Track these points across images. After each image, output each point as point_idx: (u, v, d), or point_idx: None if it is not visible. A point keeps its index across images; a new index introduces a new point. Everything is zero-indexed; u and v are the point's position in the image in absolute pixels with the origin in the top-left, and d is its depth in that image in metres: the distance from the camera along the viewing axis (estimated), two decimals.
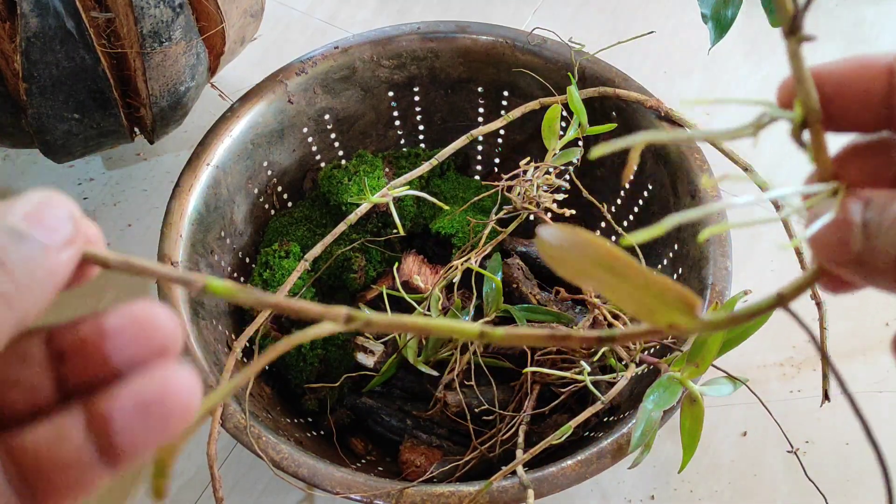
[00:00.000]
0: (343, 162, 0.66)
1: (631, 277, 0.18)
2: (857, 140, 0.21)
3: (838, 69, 0.21)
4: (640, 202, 0.60)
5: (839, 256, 0.20)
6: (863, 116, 0.21)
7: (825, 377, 0.52)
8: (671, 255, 0.56)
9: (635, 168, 0.50)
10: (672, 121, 0.57)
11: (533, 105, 0.59)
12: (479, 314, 0.55)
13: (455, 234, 0.61)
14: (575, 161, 0.58)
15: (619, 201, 0.63)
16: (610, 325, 0.53)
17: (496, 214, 0.58)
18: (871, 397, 0.61)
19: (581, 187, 0.59)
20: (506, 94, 0.64)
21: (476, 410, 0.53)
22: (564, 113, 0.58)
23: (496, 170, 0.69)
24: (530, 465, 0.46)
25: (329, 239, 0.56)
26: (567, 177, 0.64)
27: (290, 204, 0.65)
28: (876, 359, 0.63)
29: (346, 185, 0.62)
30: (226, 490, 0.58)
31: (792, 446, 0.50)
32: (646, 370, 0.51)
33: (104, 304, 0.67)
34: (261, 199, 0.62)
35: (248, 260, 0.62)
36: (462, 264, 0.55)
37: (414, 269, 0.60)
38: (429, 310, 0.54)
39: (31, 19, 0.51)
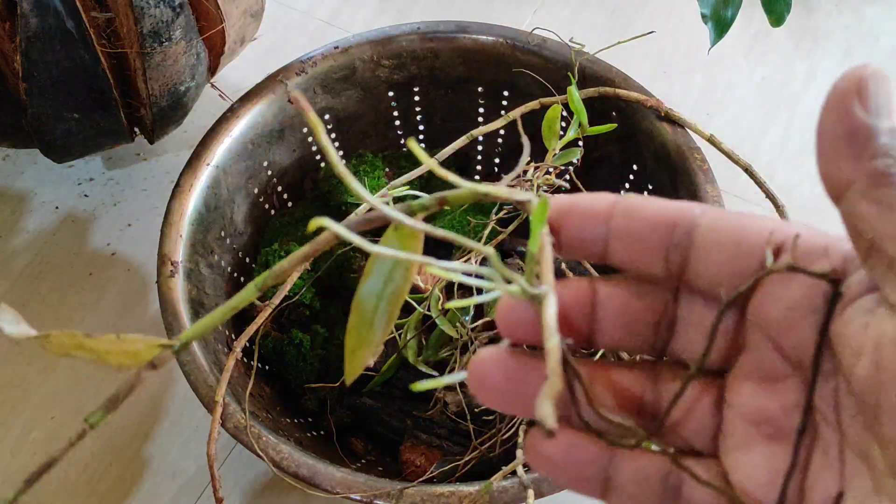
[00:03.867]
0: (343, 162, 0.66)
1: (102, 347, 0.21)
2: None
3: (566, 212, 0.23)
4: None
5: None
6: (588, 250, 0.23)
7: None
8: None
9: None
10: (672, 121, 0.57)
11: (533, 105, 0.59)
12: (479, 314, 0.55)
13: None
14: (575, 161, 0.58)
15: None
16: None
17: (496, 214, 0.58)
18: None
19: (581, 187, 0.59)
20: (506, 93, 0.64)
21: (476, 410, 0.53)
22: (564, 113, 0.58)
23: (496, 170, 0.69)
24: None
25: None
26: (567, 177, 0.64)
27: (290, 204, 0.65)
28: None
29: (346, 185, 0.62)
30: (225, 490, 0.58)
31: None
32: None
33: (104, 303, 0.67)
34: (261, 199, 0.62)
35: (248, 260, 0.62)
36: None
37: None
38: (429, 309, 0.54)
39: (31, 19, 0.51)
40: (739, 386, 0.22)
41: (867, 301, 0.19)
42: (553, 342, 0.20)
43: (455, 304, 0.23)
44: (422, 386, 0.21)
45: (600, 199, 0.22)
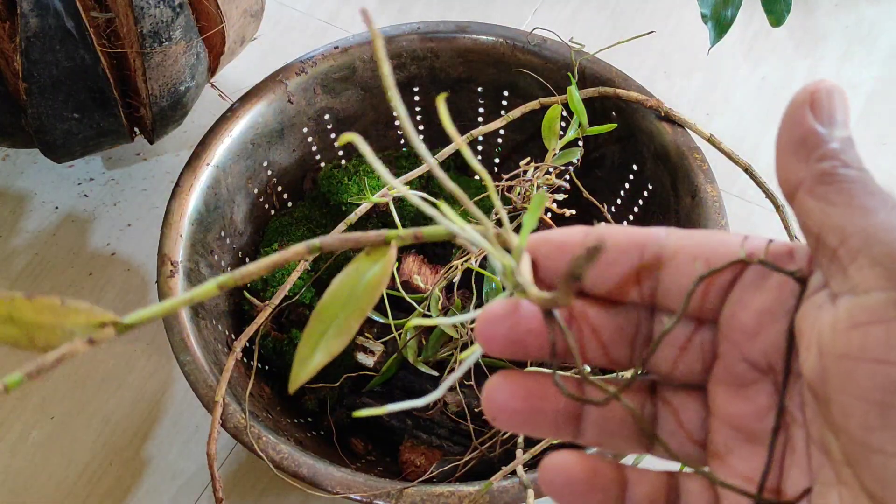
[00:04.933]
0: (343, 162, 0.66)
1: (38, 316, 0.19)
2: None
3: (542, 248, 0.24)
4: (640, 202, 0.60)
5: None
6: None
7: None
8: None
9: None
10: (672, 121, 0.57)
11: (533, 105, 0.59)
12: None
13: None
14: (575, 161, 0.58)
15: (619, 201, 0.63)
16: None
17: (496, 215, 0.58)
18: None
19: (581, 187, 0.59)
20: (506, 94, 0.64)
21: (476, 410, 0.53)
22: (564, 113, 0.58)
23: (496, 170, 0.69)
24: (530, 465, 0.46)
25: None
26: (567, 177, 0.64)
27: (290, 204, 0.65)
28: None
29: (346, 185, 0.62)
30: (225, 490, 0.58)
31: None
32: None
33: (104, 303, 0.67)
34: (261, 199, 0.62)
35: (247, 260, 0.62)
36: (462, 264, 0.55)
37: (414, 269, 0.60)
38: (429, 310, 0.54)
39: (31, 19, 0.51)
40: (716, 394, 0.23)
41: (819, 296, 0.21)
42: (533, 291, 0.21)
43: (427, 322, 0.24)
44: (362, 413, 0.22)
45: (572, 232, 0.23)
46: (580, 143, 0.60)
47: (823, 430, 0.20)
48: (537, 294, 0.22)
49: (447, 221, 0.22)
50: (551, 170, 0.57)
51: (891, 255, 0.19)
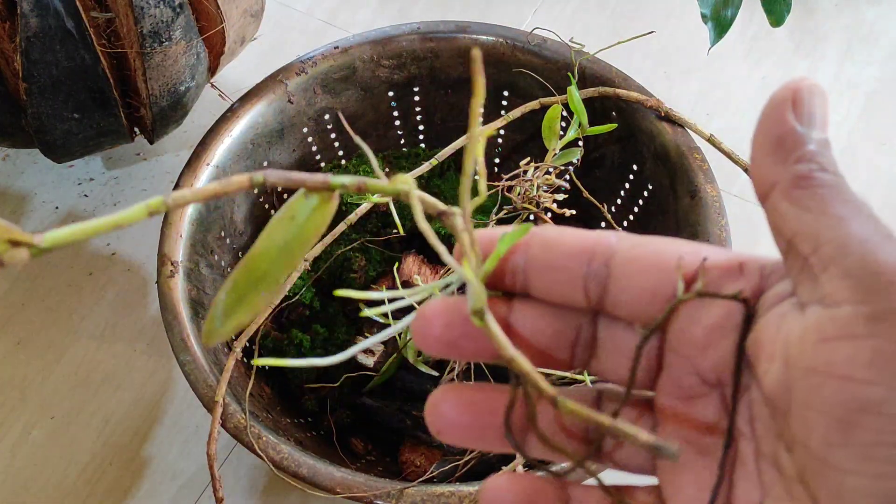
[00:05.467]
0: (343, 162, 0.66)
1: None
2: None
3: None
4: (640, 202, 0.60)
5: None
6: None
7: None
8: None
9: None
10: (672, 121, 0.57)
11: (533, 105, 0.59)
12: None
13: None
14: (575, 161, 0.58)
15: (619, 201, 0.63)
16: None
17: (496, 215, 0.58)
18: None
19: (581, 187, 0.59)
20: (506, 93, 0.64)
21: None
22: (564, 113, 0.58)
23: (496, 170, 0.69)
24: (530, 465, 0.46)
25: (329, 239, 0.56)
26: (567, 177, 0.64)
27: None
28: None
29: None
30: (226, 490, 0.58)
31: None
32: None
33: (104, 303, 0.67)
34: (261, 199, 0.62)
35: None
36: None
37: (414, 269, 0.60)
38: None
39: (31, 19, 0.51)
40: (665, 405, 0.23)
41: (783, 306, 0.20)
42: (472, 262, 0.21)
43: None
44: (262, 361, 0.21)
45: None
46: (580, 143, 0.60)
47: (776, 446, 0.20)
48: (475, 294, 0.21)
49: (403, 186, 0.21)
50: (551, 170, 0.57)
51: (863, 267, 0.18)
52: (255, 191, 0.61)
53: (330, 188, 0.21)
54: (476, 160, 0.21)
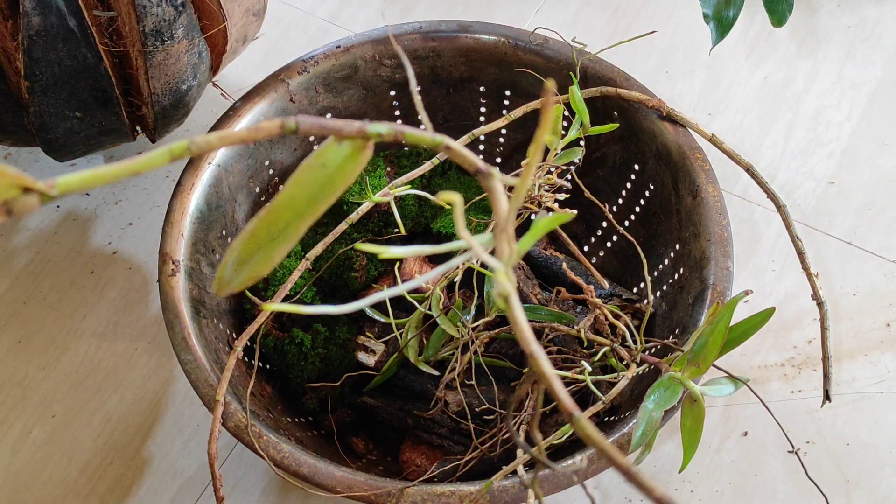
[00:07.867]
0: None
1: None
2: None
3: None
4: (642, 202, 0.60)
5: None
6: None
7: (826, 377, 0.52)
8: (672, 255, 0.56)
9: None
10: (674, 121, 0.57)
11: (535, 104, 0.59)
12: (479, 313, 0.55)
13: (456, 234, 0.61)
14: (577, 161, 0.58)
15: (620, 201, 0.63)
16: (612, 325, 0.53)
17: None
18: (872, 398, 0.61)
19: (583, 187, 0.59)
20: (508, 93, 0.64)
21: (477, 410, 0.53)
22: (566, 112, 0.58)
23: (498, 169, 0.69)
24: (531, 465, 0.46)
25: (330, 238, 0.56)
26: (569, 176, 0.64)
27: None
28: (877, 359, 0.63)
29: None
30: (226, 489, 0.58)
31: (793, 446, 0.50)
32: (647, 370, 0.51)
33: (105, 301, 0.67)
34: (262, 198, 0.62)
35: None
36: (463, 264, 0.55)
37: (415, 268, 0.60)
38: (430, 309, 0.54)
39: (34, 17, 0.51)
40: None
41: None
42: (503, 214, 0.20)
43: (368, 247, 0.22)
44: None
45: None
46: (582, 142, 0.60)
47: None
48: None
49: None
50: (553, 169, 0.57)
51: None
52: (257, 189, 0.61)
53: (366, 136, 0.20)
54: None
